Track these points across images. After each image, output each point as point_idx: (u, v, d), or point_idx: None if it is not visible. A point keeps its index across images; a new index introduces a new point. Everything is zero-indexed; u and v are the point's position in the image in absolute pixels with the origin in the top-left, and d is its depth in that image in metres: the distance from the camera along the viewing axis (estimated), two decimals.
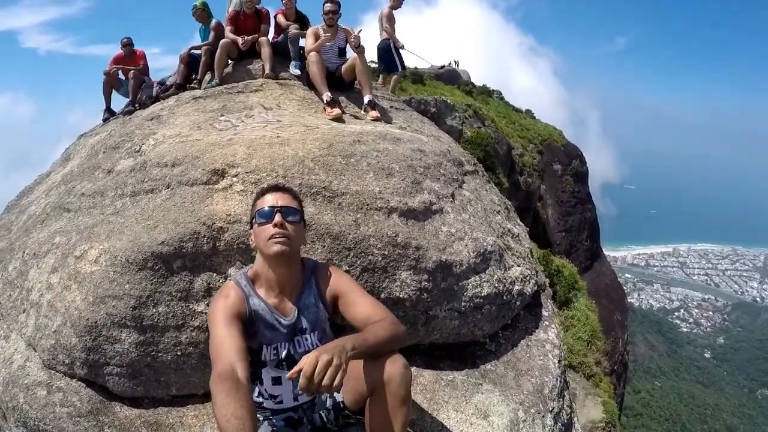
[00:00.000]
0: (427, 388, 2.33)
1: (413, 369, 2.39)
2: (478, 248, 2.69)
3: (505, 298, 2.74)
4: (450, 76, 18.05)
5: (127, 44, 6.08)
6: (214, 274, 2.28)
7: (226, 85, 4.44)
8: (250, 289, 1.71)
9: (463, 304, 2.53)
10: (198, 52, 5.19)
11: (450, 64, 19.24)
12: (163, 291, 2.22)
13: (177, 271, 2.25)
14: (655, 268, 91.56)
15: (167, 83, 5.37)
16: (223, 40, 4.92)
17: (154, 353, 2.20)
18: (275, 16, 5.37)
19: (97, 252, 2.42)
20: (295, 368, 1.33)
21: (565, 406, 2.65)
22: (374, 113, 4.03)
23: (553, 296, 7.28)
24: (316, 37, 4.28)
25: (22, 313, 2.67)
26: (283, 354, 1.70)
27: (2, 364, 2.50)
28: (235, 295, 1.67)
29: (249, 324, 1.66)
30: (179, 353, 2.21)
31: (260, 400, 1.77)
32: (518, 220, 3.81)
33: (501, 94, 23.06)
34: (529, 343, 2.83)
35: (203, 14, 5.54)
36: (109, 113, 5.87)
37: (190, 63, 5.20)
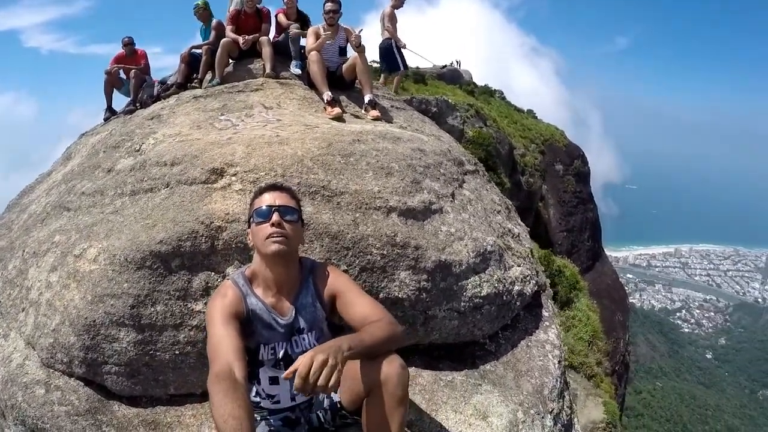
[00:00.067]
0: (426, 389, 2.32)
1: (412, 369, 2.38)
2: (478, 248, 2.68)
3: (504, 298, 2.73)
4: (452, 76, 18.03)
5: (129, 43, 6.08)
6: (213, 273, 2.27)
7: (226, 85, 4.44)
8: (247, 289, 1.71)
9: (462, 304, 2.52)
10: (199, 51, 5.19)
11: (452, 63, 19.21)
12: (162, 290, 2.21)
13: (175, 270, 2.25)
14: (657, 269, 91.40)
15: (168, 82, 5.37)
16: (224, 40, 4.91)
17: (152, 352, 2.20)
18: (276, 16, 5.37)
19: (96, 251, 2.42)
20: (291, 368, 1.32)
21: (565, 407, 2.64)
22: (375, 112, 4.02)
23: (555, 296, 7.26)
24: (317, 36, 4.28)
25: (21, 312, 2.67)
26: (281, 354, 1.70)
27: (1, 363, 2.51)
28: (233, 294, 1.66)
29: (246, 323, 1.65)
30: (177, 352, 2.20)
31: (258, 399, 1.77)
32: (519, 220, 3.80)
33: (503, 94, 23.02)
34: (529, 344, 2.81)
35: (205, 13, 5.54)
36: (110, 112, 5.88)
37: (191, 62, 5.20)
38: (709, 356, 61.07)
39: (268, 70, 4.58)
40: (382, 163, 2.77)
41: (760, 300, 79.19)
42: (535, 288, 3.08)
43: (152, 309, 2.19)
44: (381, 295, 2.32)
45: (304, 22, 5.33)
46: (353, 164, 2.69)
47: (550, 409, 2.45)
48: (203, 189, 2.51)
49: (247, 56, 5.04)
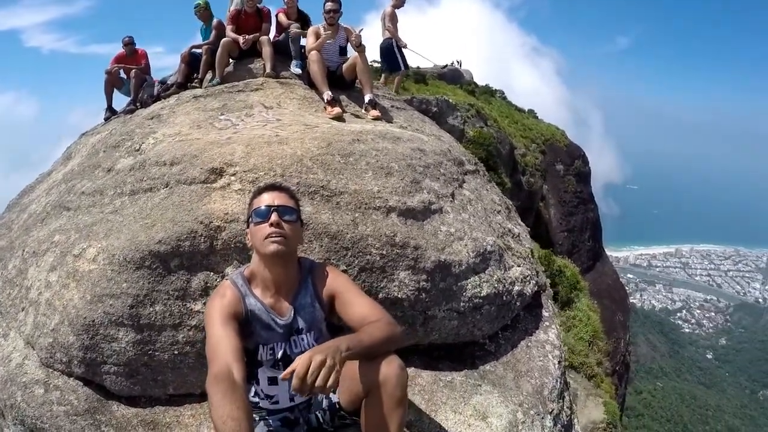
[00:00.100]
0: (426, 389, 2.31)
1: (411, 369, 2.38)
2: (478, 248, 2.67)
3: (504, 298, 2.73)
4: (452, 76, 18.00)
5: (129, 43, 6.08)
6: (212, 273, 2.27)
7: (226, 84, 4.44)
8: (246, 289, 1.71)
9: (462, 304, 2.52)
10: (199, 51, 5.19)
11: (452, 63, 19.19)
12: (161, 290, 2.21)
13: (174, 270, 2.24)
14: (658, 269, 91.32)
15: (168, 82, 5.37)
16: (224, 39, 4.91)
17: (151, 352, 2.20)
18: (277, 15, 5.36)
19: (96, 251, 2.42)
20: (289, 369, 1.32)
21: (565, 407, 2.63)
22: (375, 112, 4.02)
23: (555, 296, 7.25)
24: (317, 36, 4.27)
25: (21, 312, 2.67)
26: (279, 354, 1.69)
27: (1, 362, 2.51)
28: (232, 294, 1.66)
29: (245, 324, 1.65)
30: (176, 352, 2.20)
31: (256, 400, 1.77)
32: (519, 220, 3.80)
33: (503, 93, 22.98)
34: (529, 344, 2.81)
35: (206, 13, 5.54)
36: (111, 112, 5.88)
37: (192, 62, 5.19)
38: (709, 356, 61.01)
39: (268, 70, 4.58)
40: (382, 162, 2.76)
41: (760, 300, 79.08)
42: (535, 288, 3.07)
43: (151, 309, 2.19)
44: (380, 296, 2.32)
45: (304, 21, 5.33)
46: (353, 164, 2.68)
47: (550, 410, 2.44)
48: (202, 189, 2.50)
49: (248, 56, 5.04)
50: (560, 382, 2.66)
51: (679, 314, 72.32)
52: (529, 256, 3.28)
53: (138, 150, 3.27)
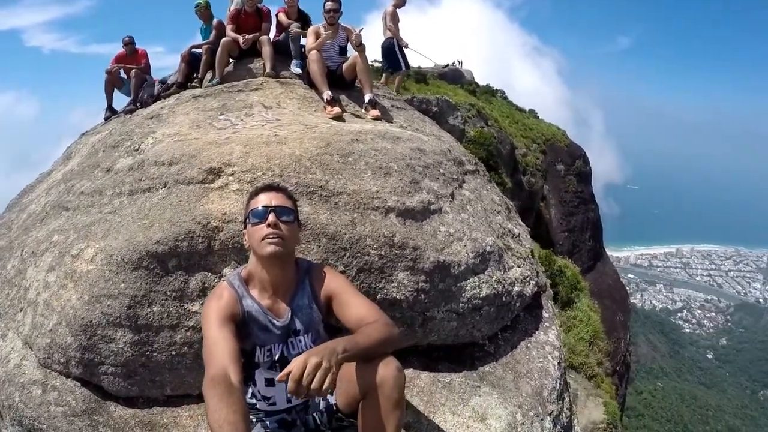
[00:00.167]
0: (424, 390, 2.30)
1: (410, 370, 2.37)
2: (477, 249, 2.66)
3: (504, 299, 2.71)
4: (453, 76, 17.99)
5: (129, 43, 6.07)
6: (209, 273, 2.26)
7: (226, 84, 4.42)
8: (243, 290, 1.70)
9: (461, 305, 2.51)
10: (199, 50, 5.17)
11: (453, 63, 19.17)
12: (158, 290, 2.20)
13: (172, 270, 2.24)
14: (658, 269, 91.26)
15: (168, 82, 5.36)
16: (224, 39, 4.90)
17: (148, 353, 2.19)
18: (277, 15, 5.35)
19: (94, 251, 2.42)
20: (284, 371, 1.31)
21: (564, 408, 2.62)
22: (375, 112, 4.01)
23: (556, 296, 7.23)
24: (317, 35, 4.26)
25: (19, 312, 2.67)
26: (277, 355, 1.68)
27: None
28: (229, 296, 1.65)
29: (242, 325, 1.64)
30: (174, 353, 2.20)
31: (253, 401, 1.76)
32: (519, 220, 3.78)
33: (504, 93, 22.96)
34: (529, 345, 2.80)
35: (206, 12, 5.54)
36: (111, 112, 5.87)
37: (191, 62, 5.18)
38: (710, 356, 60.96)
39: (268, 70, 4.56)
40: (381, 163, 2.75)
41: (761, 300, 78.98)
42: (535, 289, 3.06)
43: (149, 309, 2.18)
44: (379, 297, 2.31)
45: (304, 21, 5.31)
46: (352, 164, 2.67)
47: (550, 411, 2.43)
48: (200, 189, 2.49)
49: (248, 55, 5.02)
50: (560, 384, 2.65)
51: (679, 314, 72.27)
52: (529, 256, 3.27)
53: (137, 150, 3.27)
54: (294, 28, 4.95)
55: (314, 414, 1.75)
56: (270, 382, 1.70)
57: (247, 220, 1.71)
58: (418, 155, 3.00)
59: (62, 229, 2.85)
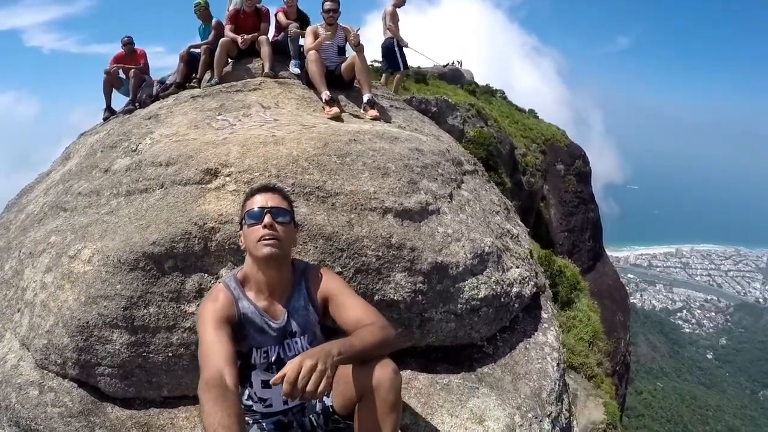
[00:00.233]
0: (422, 392, 2.30)
1: (408, 372, 2.36)
2: (476, 249, 2.65)
3: (502, 300, 2.71)
4: (453, 76, 18.00)
5: (128, 43, 6.06)
6: (206, 274, 2.26)
7: (225, 84, 4.42)
8: (239, 292, 1.69)
9: (459, 306, 2.50)
10: (197, 50, 5.16)
11: (453, 63, 19.18)
12: (155, 291, 2.20)
13: (168, 271, 2.23)
14: (658, 269, 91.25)
15: (167, 82, 5.35)
16: (222, 39, 4.89)
17: (145, 354, 2.18)
18: (276, 15, 5.34)
19: (91, 252, 2.41)
20: (279, 374, 1.31)
21: (563, 410, 2.61)
22: (373, 112, 4.00)
23: (555, 297, 7.23)
24: (315, 35, 4.25)
25: (16, 313, 2.66)
26: (273, 357, 1.68)
27: None
28: (224, 298, 1.64)
29: (238, 327, 1.63)
30: (170, 354, 2.19)
31: (250, 403, 1.75)
32: (518, 221, 3.77)
33: (504, 93, 22.96)
34: (528, 346, 2.79)
35: (206, 12, 5.52)
36: (110, 112, 5.86)
37: (190, 62, 5.17)
38: (709, 356, 60.95)
39: (266, 70, 4.55)
40: (379, 163, 2.74)
41: (761, 300, 78.98)
42: (534, 289, 3.06)
43: (145, 311, 2.18)
44: (376, 298, 2.30)
45: (304, 21, 5.30)
46: (349, 164, 2.66)
47: (548, 413, 2.43)
48: (197, 189, 2.49)
49: (246, 56, 5.01)
50: (559, 385, 2.64)
51: (679, 314, 72.26)
52: (528, 257, 3.26)
53: (135, 150, 3.26)
54: (293, 28, 4.93)
55: (311, 416, 1.74)
56: (266, 384, 1.70)
57: (243, 221, 1.70)
58: (416, 155, 2.99)
59: (60, 230, 2.84)
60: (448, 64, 18.35)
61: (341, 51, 4.47)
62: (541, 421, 2.35)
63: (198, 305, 2.16)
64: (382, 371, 1.46)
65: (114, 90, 6.04)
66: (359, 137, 2.96)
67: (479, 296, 2.56)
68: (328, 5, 4.26)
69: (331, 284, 1.72)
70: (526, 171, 13.85)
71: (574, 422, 2.89)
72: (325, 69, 4.15)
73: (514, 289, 2.81)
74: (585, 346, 7.47)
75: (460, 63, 19.89)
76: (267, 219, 1.63)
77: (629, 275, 77.40)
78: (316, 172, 2.54)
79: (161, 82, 5.53)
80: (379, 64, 8.70)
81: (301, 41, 4.75)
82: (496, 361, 2.61)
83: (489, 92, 20.03)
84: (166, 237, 2.24)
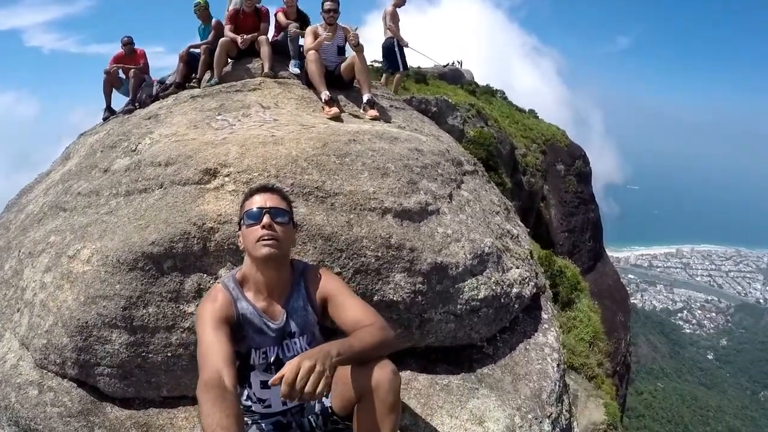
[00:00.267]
0: (422, 393, 2.29)
1: (407, 372, 2.36)
2: (475, 250, 2.65)
3: (502, 300, 2.70)
4: (453, 76, 17.99)
5: (128, 43, 6.06)
6: (205, 275, 2.25)
7: (224, 84, 4.41)
8: (238, 293, 1.68)
9: (459, 307, 2.49)
10: (197, 50, 5.16)
11: (453, 63, 19.17)
12: (154, 292, 2.20)
13: (167, 271, 2.23)
14: (659, 269, 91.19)
15: (167, 82, 5.35)
16: (222, 39, 4.88)
17: (144, 354, 2.18)
18: (276, 15, 5.34)
19: (90, 252, 2.41)
20: (278, 374, 1.30)
21: (563, 410, 2.61)
22: (373, 112, 4.00)
23: (556, 297, 7.21)
24: (315, 35, 4.25)
25: (16, 312, 2.66)
26: (272, 358, 1.67)
27: None
28: (223, 298, 1.64)
29: (237, 328, 1.63)
30: (169, 354, 2.19)
31: (249, 403, 1.75)
32: (518, 221, 3.77)
33: (504, 93, 22.95)
34: (528, 347, 2.79)
35: (206, 12, 5.53)
36: (110, 112, 5.86)
37: (190, 62, 5.17)
38: (710, 357, 60.88)
39: (266, 70, 4.55)
40: (378, 163, 2.73)
41: (761, 301, 78.89)
42: (534, 290, 3.05)
43: (144, 311, 2.18)
44: (375, 298, 2.29)
45: (303, 21, 5.30)
46: (348, 165, 2.66)
47: (548, 414, 2.42)
48: (196, 190, 2.48)
49: (246, 56, 5.01)
50: (559, 386, 2.63)
51: (680, 315, 72.19)
52: (528, 257, 3.25)
53: (134, 150, 3.26)
54: (292, 28, 4.93)
55: (310, 416, 1.74)
56: (265, 385, 1.69)
57: (242, 222, 1.69)
58: (415, 156, 2.98)
59: (59, 230, 2.84)
60: (448, 64, 18.34)
61: (341, 51, 4.47)
62: (541, 422, 2.34)
63: (197, 305, 2.16)
64: (381, 372, 1.45)
65: (114, 90, 6.04)
66: (359, 137, 2.95)
67: (479, 297, 2.56)
68: (328, 5, 4.26)
69: (330, 285, 1.72)
70: (526, 171, 13.85)
71: (575, 423, 2.89)
72: (324, 69, 4.14)
73: (514, 290, 2.81)
74: (585, 346, 7.45)
75: (460, 63, 19.89)
76: (266, 219, 1.63)
77: (630, 275, 77.35)
78: (315, 172, 2.54)
79: (161, 82, 5.53)
80: (380, 64, 8.69)
81: (301, 41, 4.75)
82: (496, 361, 2.60)
83: (489, 92, 20.02)
84: (165, 237, 2.24)
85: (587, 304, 8.47)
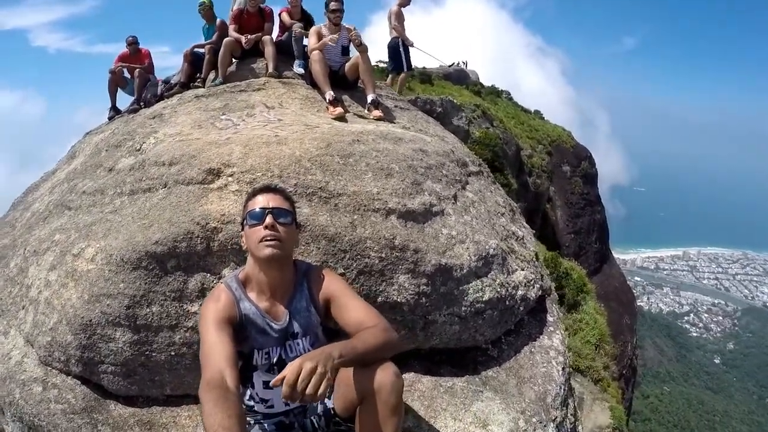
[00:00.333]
0: (425, 395, 2.27)
1: (411, 374, 2.34)
2: (480, 251, 2.62)
3: (507, 303, 2.68)
4: (458, 76, 17.94)
5: (133, 43, 6.10)
6: (208, 274, 2.25)
7: (229, 84, 4.42)
8: (241, 293, 1.68)
9: (463, 309, 2.47)
10: (202, 50, 5.18)
11: (458, 63, 19.11)
12: (157, 291, 2.20)
13: (171, 271, 2.23)
14: (665, 272, 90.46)
15: (171, 82, 5.37)
16: (226, 39, 4.90)
17: (148, 353, 2.18)
18: (280, 14, 5.35)
19: (94, 250, 2.42)
20: (279, 376, 1.30)
21: (568, 414, 2.58)
22: (377, 112, 3.98)
23: (562, 299, 7.16)
24: (319, 36, 4.25)
25: (21, 310, 2.68)
26: (275, 359, 1.67)
27: (0, 360, 2.52)
28: (226, 298, 1.63)
29: (240, 328, 1.63)
30: (173, 353, 2.19)
31: (251, 403, 1.75)
32: (524, 222, 3.74)
33: (510, 94, 22.87)
34: (533, 350, 2.76)
35: (210, 12, 5.54)
36: (115, 111, 5.89)
37: (194, 61, 5.19)
38: (717, 361, 60.28)
39: (270, 70, 4.55)
40: (382, 164, 2.72)
41: None
42: (540, 292, 3.02)
43: (148, 309, 2.18)
44: (379, 300, 2.28)
45: (308, 21, 5.30)
46: (352, 165, 2.64)
47: (553, 417, 2.39)
48: (200, 189, 2.48)
49: (250, 55, 5.02)
50: (564, 389, 2.60)
51: (686, 318, 71.56)
52: (534, 259, 3.22)
53: (139, 150, 3.27)
54: (297, 28, 4.93)
55: (312, 417, 1.73)
56: (268, 385, 1.69)
57: (245, 222, 1.69)
58: (420, 156, 2.97)
59: (64, 228, 2.85)
60: (453, 65, 18.29)
61: (345, 51, 4.46)
62: (545, 426, 2.31)
63: (200, 305, 2.16)
64: (384, 374, 1.44)
65: (119, 89, 6.08)
66: (363, 138, 2.94)
67: (484, 299, 2.53)
68: (333, 5, 4.25)
69: (333, 285, 1.71)
70: (532, 172, 13.79)
71: (580, 427, 2.86)
72: (328, 69, 4.14)
73: (520, 292, 2.78)
74: (591, 349, 7.39)
75: (465, 63, 19.81)
76: (268, 220, 1.62)
77: (636, 278, 76.78)
78: (319, 172, 2.53)
79: (166, 81, 5.55)
80: (385, 65, 8.67)
81: (305, 41, 4.75)
82: (501, 364, 2.58)
83: (494, 93, 19.95)
84: (169, 236, 2.24)
85: (593, 307, 8.41)
